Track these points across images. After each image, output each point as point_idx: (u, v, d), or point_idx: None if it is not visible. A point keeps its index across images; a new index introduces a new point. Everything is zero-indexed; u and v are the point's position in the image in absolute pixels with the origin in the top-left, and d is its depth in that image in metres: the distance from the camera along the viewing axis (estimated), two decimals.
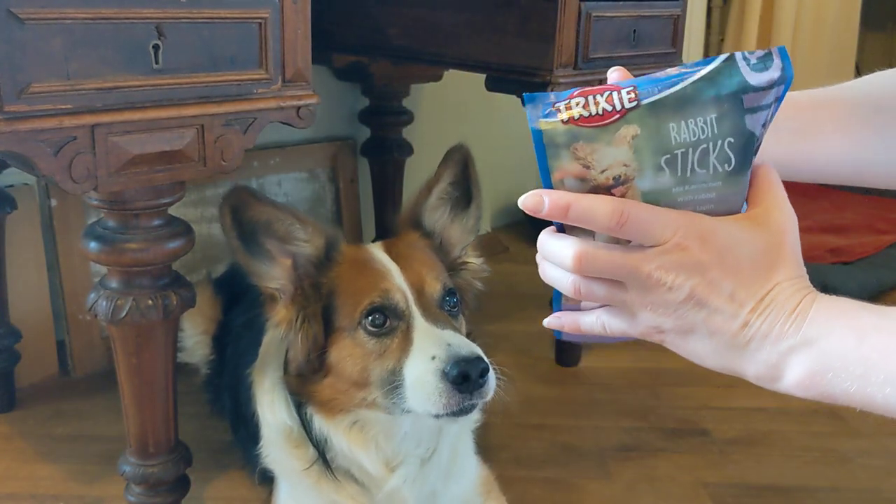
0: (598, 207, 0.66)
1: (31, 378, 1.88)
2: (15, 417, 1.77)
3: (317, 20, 1.19)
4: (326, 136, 2.44)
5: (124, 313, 1.14)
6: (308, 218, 1.19)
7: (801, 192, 3.57)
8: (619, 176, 0.66)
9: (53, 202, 1.86)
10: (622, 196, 0.67)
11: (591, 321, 0.74)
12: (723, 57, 0.66)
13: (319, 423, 1.19)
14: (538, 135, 0.66)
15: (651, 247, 0.66)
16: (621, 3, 1.65)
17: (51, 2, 0.94)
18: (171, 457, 1.28)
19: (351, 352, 1.14)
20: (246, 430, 1.40)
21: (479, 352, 1.08)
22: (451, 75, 2.37)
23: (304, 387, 1.19)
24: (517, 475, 1.60)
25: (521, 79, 1.61)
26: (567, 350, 2.06)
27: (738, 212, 0.70)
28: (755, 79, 0.65)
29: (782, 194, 0.73)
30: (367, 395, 1.14)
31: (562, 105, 0.66)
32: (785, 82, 0.66)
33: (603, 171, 0.66)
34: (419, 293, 1.15)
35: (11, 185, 1.82)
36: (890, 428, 1.81)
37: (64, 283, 1.88)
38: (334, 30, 1.99)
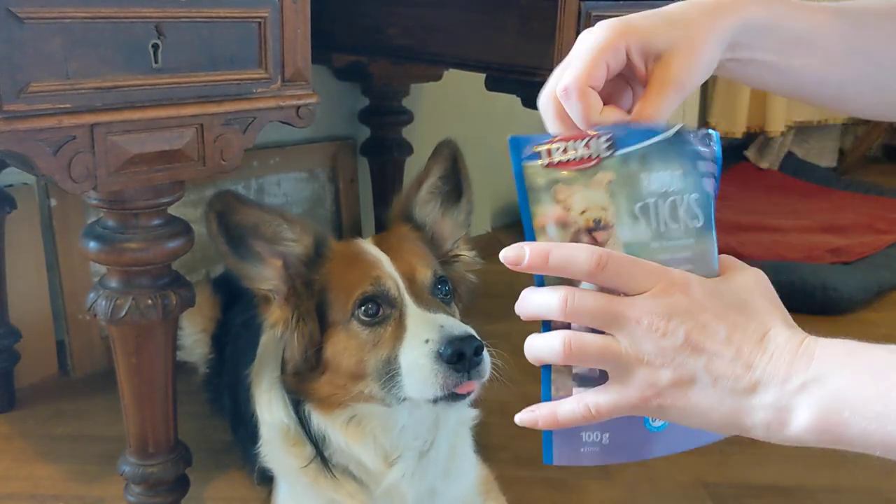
0: (578, 252, 0.65)
1: (31, 378, 1.88)
2: (15, 417, 1.77)
3: (316, 20, 1.19)
4: (326, 135, 2.44)
5: (124, 313, 1.14)
6: (295, 217, 1.19)
7: (802, 193, 3.58)
8: (599, 220, 0.68)
9: (53, 202, 1.86)
10: (603, 243, 0.68)
11: (573, 407, 0.70)
12: (676, 127, 0.71)
13: (317, 419, 1.19)
14: (521, 177, 0.69)
15: (637, 294, 0.65)
16: (621, 2, 1.65)
17: (50, 1, 0.94)
18: (170, 457, 1.28)
19: (346, 344, 1.14)
20: (245, 429, 1.40)
21: (473, 331, 1.08)
22: (451, 75, 2.37)
23: (301, 385, 1.19)
24: (517, 475, 1.60)
25: (521, 78, 1.61)
26: None
27: (717, 276, 0.70)
28: (702, 150, 0.71)
29: (741, 263, 0.72)
30: (363, 388, 1.14)
31: (543, 149, 0.69)
32: (717, 163, 0.72)
33: (582, 213, 0.68)
34: (410, 281, 1.15)
35: (11, 185, 1.82)
36: None
37: (64, 282, 1.88)
38: (334, 29, 1.99)
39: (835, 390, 0.61)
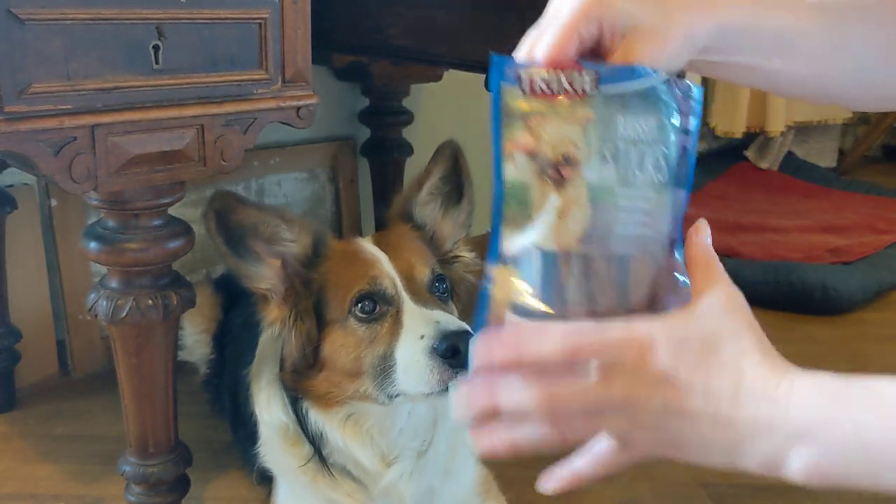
0: (546, 345, 0.63)
1: (31, 378, 1.88)
2: (15, 417, 1.77)
3: (317, 20, 1.19)
4: (326, 136, 2.44)
5: (124, 313, 1.14)
6: (293, 217, 1.19)
7: (802, 193, 3.58)
8: (569, 156, 0.67)
9: (53, 202, 1.86)
10: (568, 179, 0.67)
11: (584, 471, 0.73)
12: (663, 75, 0.69)
13: (315, 417, 1.19)
14: (498, 98, 0.67)
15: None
16: None
17: (51, 2, 0.94)
18: (170, 456, 1.28)
19: (343, 342, 1.15)
20: (245, 429, 1.40)
21: (468, 327, 1.08)
22: (451, 75, 2.37)
23: (299, 382, 1.19)
24: (517, 475, 1.59)
25: None
26: None
27: (667, 242, 0.69)
28: (682, 105, 0.70)
29: (721, 269, 0.69)
30: (360, 386, 1.15)
31: (525, 75, 0.67)
32: (695, 118, 0.71)
33: (554, 147, 0.67)
34: (408, 279, 1.16)
35: (11, 185, 1.82)
36: None
37: (64, 282, 1.88)
38: (334, 30, 1.99)
39: (820, 445, 0.63)
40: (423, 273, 1.18)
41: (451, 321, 1.09)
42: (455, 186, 1.30)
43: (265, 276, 1.17)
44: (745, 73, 0.79)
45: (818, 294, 2.37)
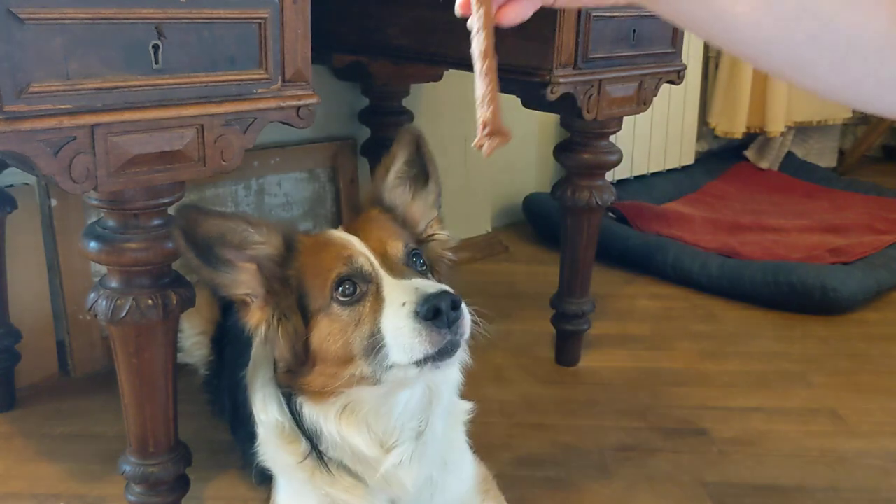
0: None
1: (32, 378, 1.88)
2: (15, 417, 1.77)
3: (317, 20, 1.19)
4: (326, 135, 2.45)
5: (124, 313, 1.15)
6: (258, 220, 1.19)
7: (802, 193, 3.58)
8: None
9: (53, 202, 1.86)
10: None
11: None
12: None
13: (310, 412, 1.20)
14: None
15: None
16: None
17: (51, 2, 0.94)
18: (170, 456, 1.28)
19: (330, 329, 1.15)
20: (245, 430, 1.40)
21: (448, 288, 1.09)
22: (451, 75, 2.37)
23: (295, 381, 1.19)
24: (517, 475, 1.60)
25: (521, 79, 1.61)
26: (567, 350, 2.06)
27: None
28: None
29: None
30: (354, 370, 1.15)
31: None
32: None
33: None
34: (383, 256, 1.17)
35: (11, 185, 1.82)
36: (888, 428, 1.81)
37: (64, 282, 1.88)
38: (334, 30, 2.00)
39: None
40: (397, 248, 1.19)
41: (430, 285, 1.10)
42: (421, 170, 1.33)
43: (242, 281, 1.17)
44: (711, 16, 0.78)
45: (818, 294, 2.38)
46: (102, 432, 1.71)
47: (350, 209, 2.48)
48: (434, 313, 1.06)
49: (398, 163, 1.31)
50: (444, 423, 1.27)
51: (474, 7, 0.77)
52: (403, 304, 1.08)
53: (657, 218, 2.97)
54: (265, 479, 1.40)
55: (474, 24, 0.77)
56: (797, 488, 1.59)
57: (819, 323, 2.37)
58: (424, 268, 1.22)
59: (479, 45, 0.77)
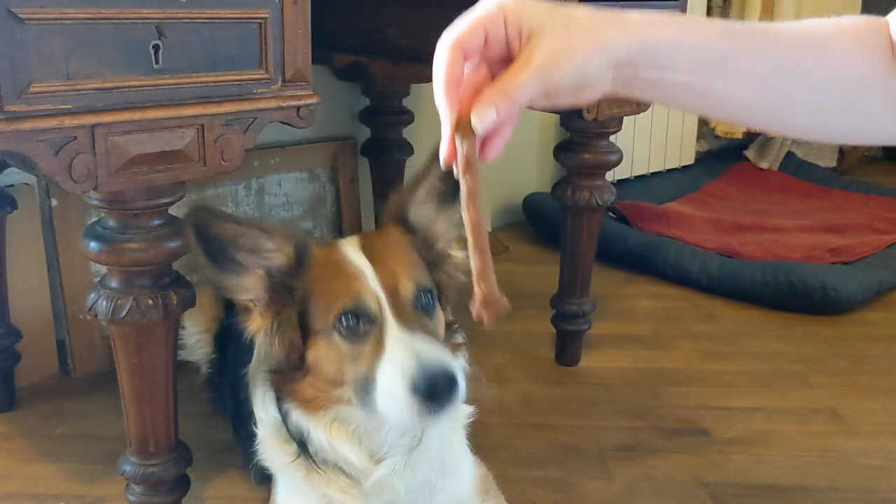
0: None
1: (32, 378, 1.88)
2: (15, 417, 1.77)
3: (317, 20, 1.19)
4: (327, 135, 2.45)
5: (124, 313, 1.14)
6: (273, 227, 1.17)
7: (802, 192, 3.58)
8: None
9: (54, 202, 1.86)
10: None
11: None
12: None
13: (297, 418, 1.19)
14: None
15: None
16: (621, 2, 1.65)
17: (51, 2, 0.94)
18: (171, 456, 1.28)
19: (327, 353, 1.14)
20: (246, 428, 1.40)
21: (449, 363, 1.07)
22: None
23: (285, 385, 1.19)
24: (517, 475, 1.60)
25: None
26: (567, 350, 2.06)
27: None
28: None
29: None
30: (344, 393, 1.15)
31: None
32: None
33: None
34: (393, 294, 1.14)
35: (12, 185, 1.82)
36: (889, 428, 1.81)
37: (64, 282, 1.88)
38: (334, 30, 2.00)
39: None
40: (408, 288, 1.15)
41: (433, 356, 1.07)
42: (451, 186, 1.30)
43: (248, 286, 1.16)
44: (685, 94, 0.79)
45: (818, 294, 2.38)
46: (103, 432, 1.71)
47: (359, 213, 2.48)
48: (430, 393, 1.04)
49: (431, 178, 1.26)
50: (440, 435, 1.27)
51: (459, 159, 0.76)
52: (402, 370, 1.06)
53: (657, 218, 2.97)
54: (265, 479, 1.40)
55: (460, 175, 0.76)
56: (797, 488, 1.59)
57: (819, 323, 2.37)
58: (431, 307, 1.19)
59: (468, 214, 0.75)
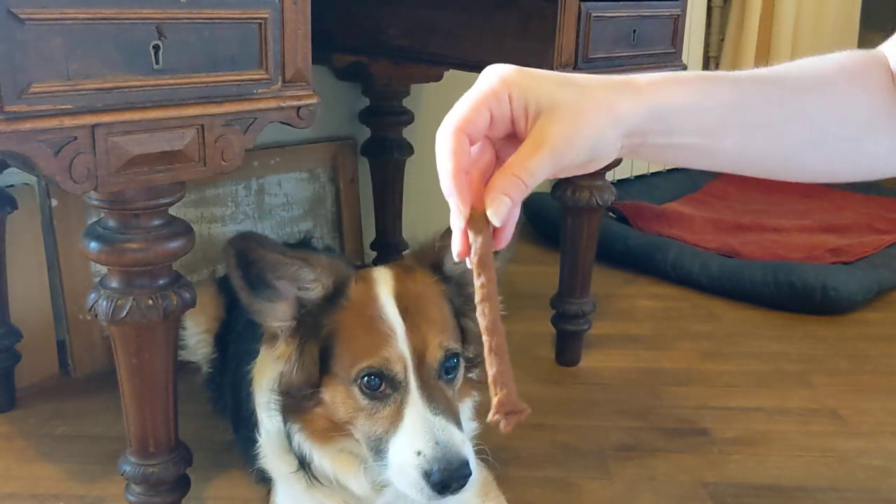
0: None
1: (32, 378, 1.88)
2: (15, 417, 1.77)
3: (317, 20, 1.19)
4: (327, 136, 2.44)
5: (124, 313, 1.14)
6: (317, 259, 1.16)
7: (802, 192, 3.58)
8: None
9: (54, 202, 1.86)
10: None
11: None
12: None
13: (301, 441, 1.20)
14: None
15: None
16: (621, 2, 1.65)
17: (51, 2, 0.94)
18: (171, 456, 1.28)
19: (344, 400, 1.14)
20: (246, 428, 1.40)
21: (466, 453, 1.07)
22: (452, 75, 2.37)
23: (295, 411, 1.19)
24: (517, 475, 1.60)
25: None
26: (567, 350, 2.06)
27: None
28: None
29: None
30: (354, 433, 1.16)
31: None
32: None
33: None
34: (420, 360, 1.12)
35: (12, 185, 1.82)
36: (889, 428, 1.81)
37: (64, 282, 1.88)
38: (334, 30, 2.00)
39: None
40: (436, 354, 1.13)
41: (451, 446, 1.06)
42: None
43: (279, 313, 1.16)
44: (695, 155, 0.77)
45: (818, 294, 2.37)
46: (103, 433, 1.71)
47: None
48: (443, 485, 1.04)
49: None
50: None
51: (473, 257, 0.70)
52: (418, 452, 1.06)
53: (657, 218, 2.97)
54: (265, 479, 1.40)
55: (474, 274, 0.70)
56: (798, 488, 1.59)
57: (819, 323, 2.36)
58: (455, 369, 1.17)
59: (484, 317, 0.70)
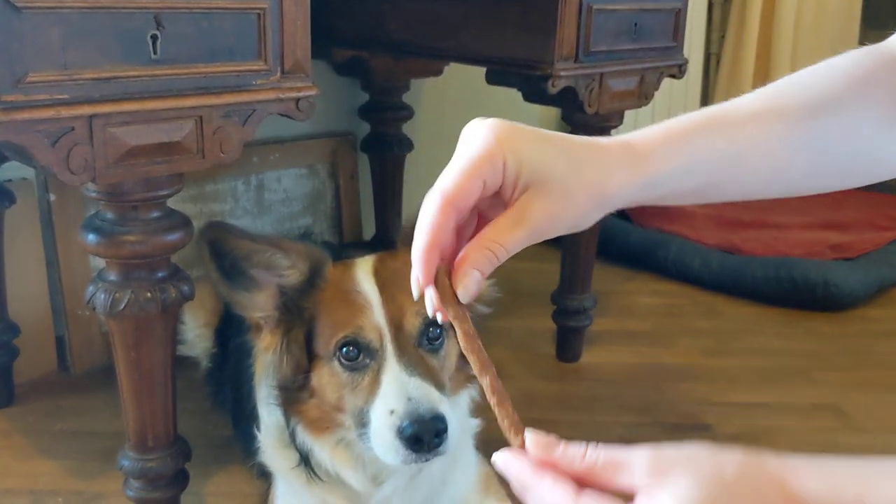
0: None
1: (30, 374, 1.87)
2: (14, 413, 1.76)
3: (316, 15, 1.18)
4: (326, 131, 2.44)
5: (122, 306, 1.14)
6: (290, 244, 1.16)
7: None
8: None
9: (52, 197, 1.85)
10: None
11: None
12: None
13: (303, 436, 1.20)
14: None
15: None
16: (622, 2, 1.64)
17: None
18: (170, 451, 1.27)
19: (329, 380, 1.14)
20: (246, 423, 1.39)
21: (440, 409, 1.05)
22: (452, 70, 2.36)
23: (290, 404, 1.19)
24: None
25: (522, 72, 1.60)
26: (568, 346, 2.05)
27: None
28: None
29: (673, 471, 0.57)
30: (346, 419, 1.15)
31: None
32: None
33: None
34: (397, 329, 1.12)
35: (10, 180, 1.81)
36: (892, 423, 1.80)
37: (63, 278, 1.88)
38: (334, 24, 1.99)
39: None
40: (414, 324, 1.12)
41: (424, 401, 1.05)
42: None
43: (259, 303, 1.15)
44: (700, 197, 0.75)
45: (820, 290, 2.37)
46: (101, 429, 1.70)
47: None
48: (414, 441, 1.03)
49: None
50: (445, 458, 1.26)
51: (448, 317, 0.68)
52: (391, 411, 1.05)
53: (658, 214, 2.96)
54: (265, 474, 1.40)
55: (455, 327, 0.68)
56: None
57: (821, 319, 2.36)
58: (439, 342, 1.16)
59: (472, 357, 0.70)
